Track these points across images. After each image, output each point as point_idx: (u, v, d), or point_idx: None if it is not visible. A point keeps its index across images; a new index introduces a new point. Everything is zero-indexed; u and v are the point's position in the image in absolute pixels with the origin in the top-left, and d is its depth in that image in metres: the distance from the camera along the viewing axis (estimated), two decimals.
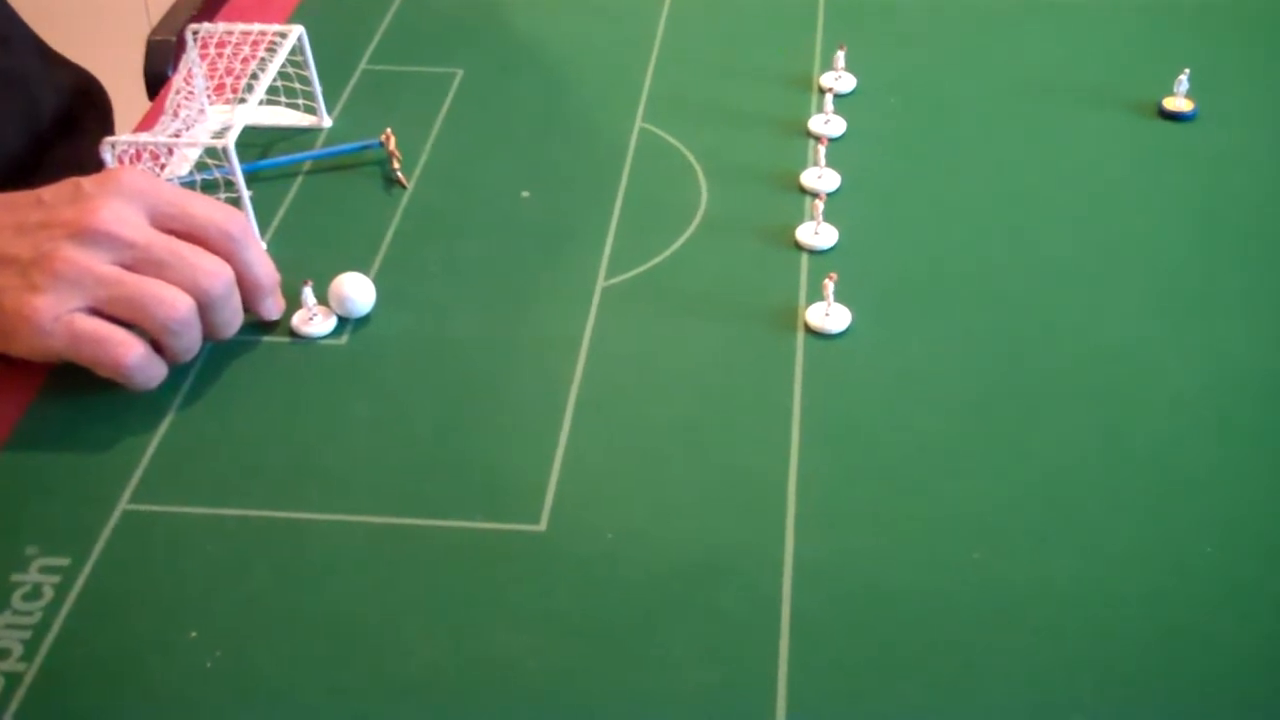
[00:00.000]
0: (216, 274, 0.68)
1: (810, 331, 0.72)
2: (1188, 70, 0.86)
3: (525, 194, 0.82)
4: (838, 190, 0.81)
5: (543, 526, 0.62)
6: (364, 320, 0.74)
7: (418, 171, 0.84)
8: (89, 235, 0.65)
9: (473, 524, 0.62)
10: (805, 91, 0.90)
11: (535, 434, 0.67)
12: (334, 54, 0.94)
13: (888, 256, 0.77)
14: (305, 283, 0.72)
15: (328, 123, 0.88)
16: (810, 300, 0.73)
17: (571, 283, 0.76)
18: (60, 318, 0.65)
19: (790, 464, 0.65)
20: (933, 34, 0.96)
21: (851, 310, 0.73)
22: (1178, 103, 0.86)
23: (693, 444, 0.66)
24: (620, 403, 0.68)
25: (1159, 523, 0.61)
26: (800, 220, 0.79)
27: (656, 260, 0.77)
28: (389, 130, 0.85)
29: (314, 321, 0.73)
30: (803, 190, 0.81)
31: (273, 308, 0.72)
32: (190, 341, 0.68)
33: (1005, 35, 0.95)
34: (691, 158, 0.85)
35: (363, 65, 0.94)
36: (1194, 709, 0.54)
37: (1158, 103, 0.86)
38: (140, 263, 0.67)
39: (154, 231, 0.68)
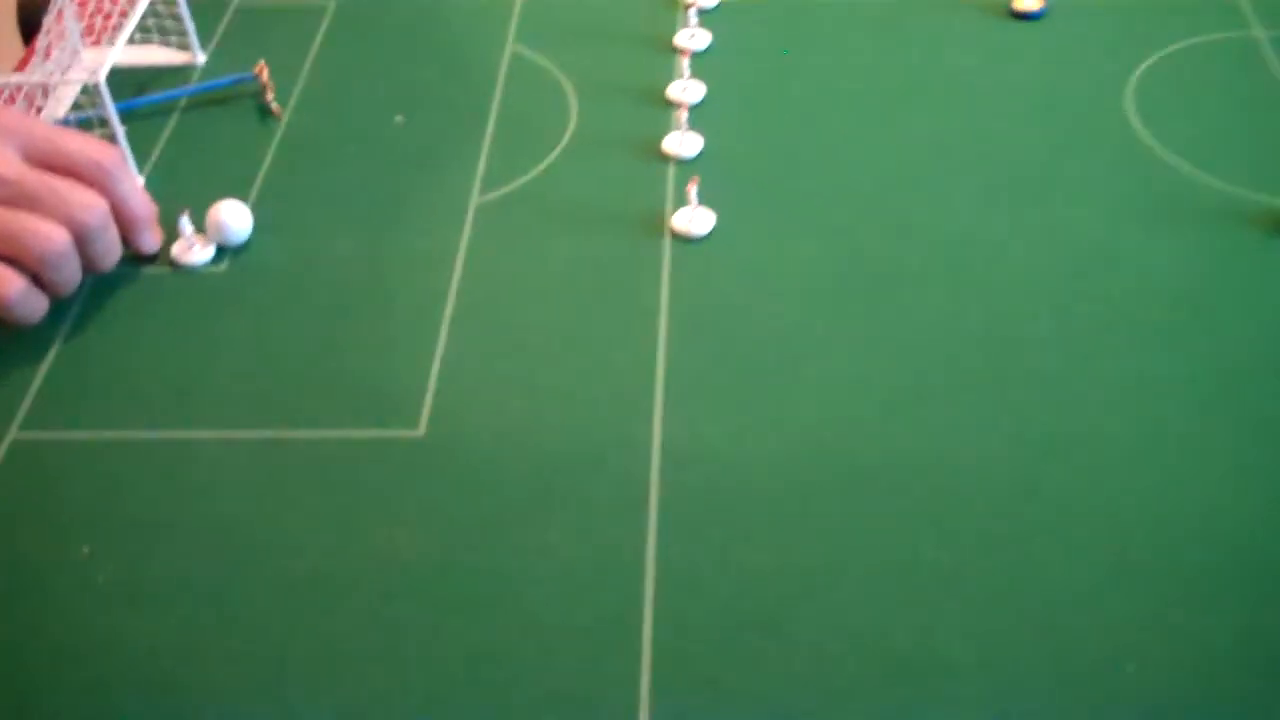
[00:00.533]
0: (91, 206, 0.69)
1: (676, 235, 0.75)
2: None
3: (399, 119, 0.84)
4: (703, 101, 0.84)
5: (421, 431, 0.65)
6: (243, 248, 0.75)
7: (293, 102, 0.86)
8: None
9: (354, 432, 0.65)
10: (672, 9, 0.92)
11: (413, 345, 0.69)
12: None
13: (750, 161, 0.80)
14: (182, 212, 0.74)
15: (202, 59, 0.90)
16: (677, 206, 0.76)
17: (446, 201, 0.78)
18: None
19: (658, 358, 0.68)
20: None
21: (716, 213, 0.75)
22: (1025, 2, 0.89)
23: (565, 346, 0.69)
24: (494, 312, 0.71)
25: (999, 395, 0.65)
26: (667, 131, 0.81)
27: (529, 176, 0.79)
28: (262, 62, 0.86)
29: (193, 251, 0.74)
30: (669, 103, 0.84)
31: (151, 240, 0.74)
32: (69, 274, 0.70)
33: None
34: (562, 77, 0.87)
35: (235, 4, 0.95)
36: (1025, 553, 0.58)
37: (1007, 3, 0.90)
38: (14, 198, 0.68)
39: (27, 167, 0.69)
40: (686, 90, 0.84)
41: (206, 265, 0.74)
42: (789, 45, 0.89)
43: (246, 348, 0.70)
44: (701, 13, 0.91)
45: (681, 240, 0.75)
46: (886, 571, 0.58)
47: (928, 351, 0.67)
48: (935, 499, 0.61)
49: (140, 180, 0.78)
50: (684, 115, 0.80)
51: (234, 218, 0.74)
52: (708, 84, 0.85)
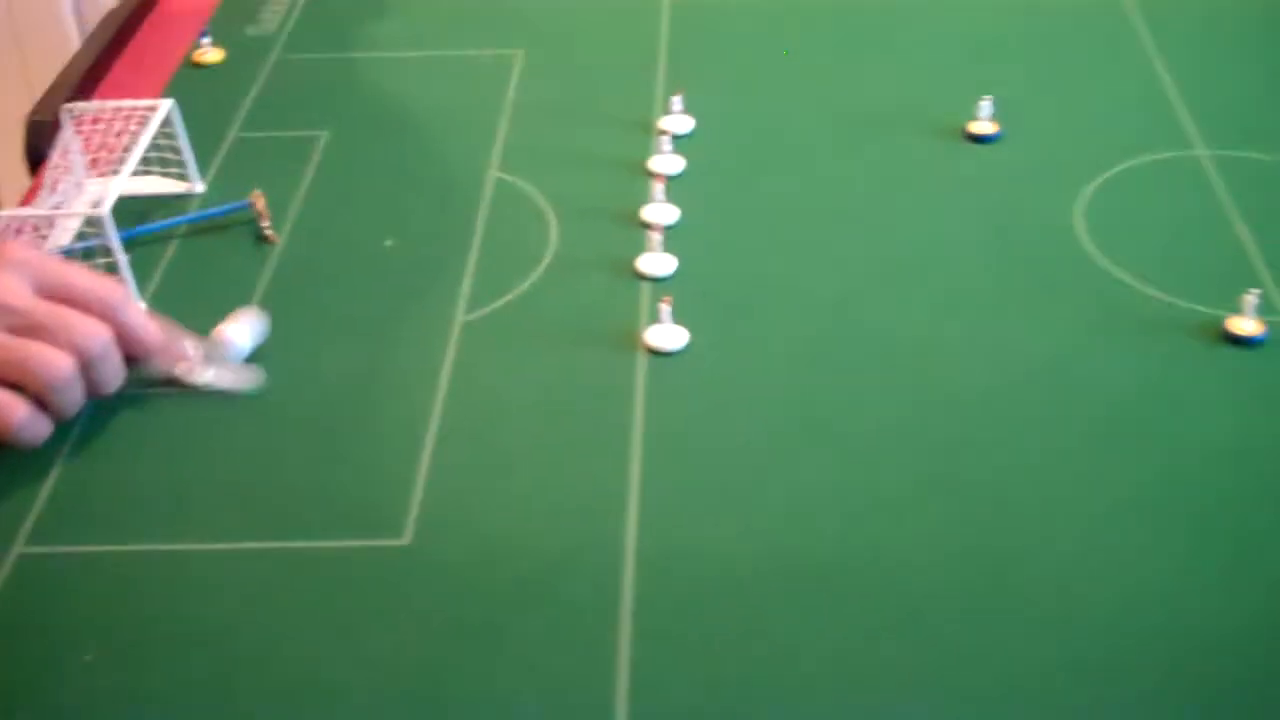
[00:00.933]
0: (95, 334, 0.73)
1: (651, 352, 0.79)
2: (988, 97, 0.95)
3: (389, 243, 0.89)
4: (677, 223, 0.89)
5: (408, 540, 0.68)
6: (246, 364, 0.79)
7: (288, 228, 0.90)
8: None
9: (344, 542, 0.68)
10: (647, 135, 0.97)
11: (400, 458, 0.73)
12: (206, 124, 1.00)
13: (721, 279, 0.84)
14: (182, 336, 0.78)
15: (201, 188, 0.94)
16: (651, 324, 0.80)
17: (433, 320, 0.82)
18: None
19: (632, 470, 0.71)
20: (762, 77, 1.04)
21: (690, 330, 0.79)
22: (981, 126, 0.94)
23: (544, 459, 0.72)
24: (477, 426, 0.75)
25: (956, 502, 0.69)
26: (642, 252, 0.86)
27: (511, 296, 0.84)
28: (257, 191, 0.91)
29: (195, 372, 0.78)
30: (645, 224, 0.89)
31: (160, 364, 0.78)
32: (73, 399, 0.74)
33: (829, 75, 1.04)
34: (543, 201, 0.92)
35: (234, 133, 1.00)
36: (982, 652, 0.61)
37: (963, 127, 0.95)
38: (23, 328, 0.72)
39: (36, 299, 0.73)
40: (660, 212, 0.89)
41: (205, 385, 0.78)
42: (759, 170, 0.93)
43: (242, 462, 0.73)
44: (675, 139, 0.96)
45: (656, 356, 0.79)
46: (851, 672, 0.61)
47: (889, 460, 0.71)
48: (897, 603, 0.64)
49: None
50: (658, 236, 0.85)
51: (237, 335, 0.78)
52: (681, 206, 0.89)
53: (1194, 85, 0.99)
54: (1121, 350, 0.77)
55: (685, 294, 0.81)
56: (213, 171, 0.96)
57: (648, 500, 0.70)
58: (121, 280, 0.78)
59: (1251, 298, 0.76)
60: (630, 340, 0.80)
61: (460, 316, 0.82)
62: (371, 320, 0.82)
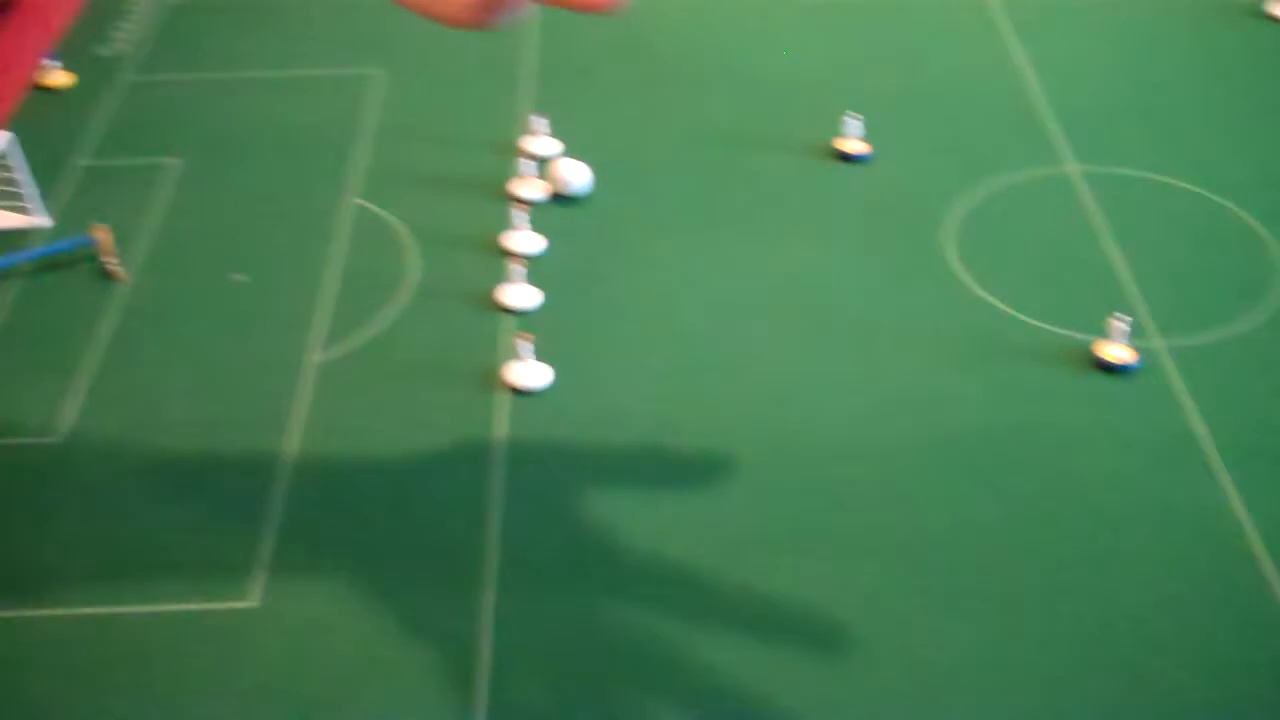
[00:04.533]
0: None
1: (513, 389, 0.76)
2: (854, 114, 0.93)
3: (240, 278, 0.85)
4: (542, 252, 0.86)
5: (255, 602, 0.65)
6: (77, 418, 0.75)
7: (137, 263, 0.86)
8: None
9: (185, 605, 0.65)
10: (510, 156, 0.94)
11: (246, 512, 0.69)
12: (53, 152, 0.95)
13: (586, 311, 0.82)
14: None
15: (47, 222, 0.90)
16: (513, 359, 0.78)
17: (284, 360, 0.79)
18: None
19: (490, 520, 0.69)
20: (628, 98, 1.01)
21: (553, 366, 0.77)
22: (850, 144, 0.93)
23: (399, 509, 0.70)
24: (330, 474, 0.72)
25: (821, 545, 0.67)
26: (505, 282, 0.83)
27: (368, 332, 0.81)
28: (101, 226, 0.87)
29: None
30: (507, 253, 0.86)
31: None
32: None
33: (696, 95, 1.01)
34: (402, 229, 0.89)
35: (82, 161, 0.96)
36: (841, 677, 0.60)
37: (831, 145, 0.93)
38: None
39: None
40: (524, 241, 0.86)
41: (35, 437, 0.74)
42: (625, 193, 0.91)
43: (76, 522, 0.70)
44: (540, 162, 0.93)
45: (517, 393, 0.76)
46: None
47: (755, 500, 0.69)
48: (766, 653, 0.62)
49: None
50: (520, 268, 0.82)
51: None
52: (546, 234, 0.87)
53: (1065, 99, 0.99)
54: (991, 379, 0.76)
55: (549, 328, 0.79)
56: (60, 202, 0.92)
57: (506, 556, 0.67)
58: None
59: (1120, 324, 0.75)
60: (492, 378, 0.77)
61: (315, 355, 0.79)
62: (220, 363, 0.79)
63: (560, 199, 0.90)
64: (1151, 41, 1.06)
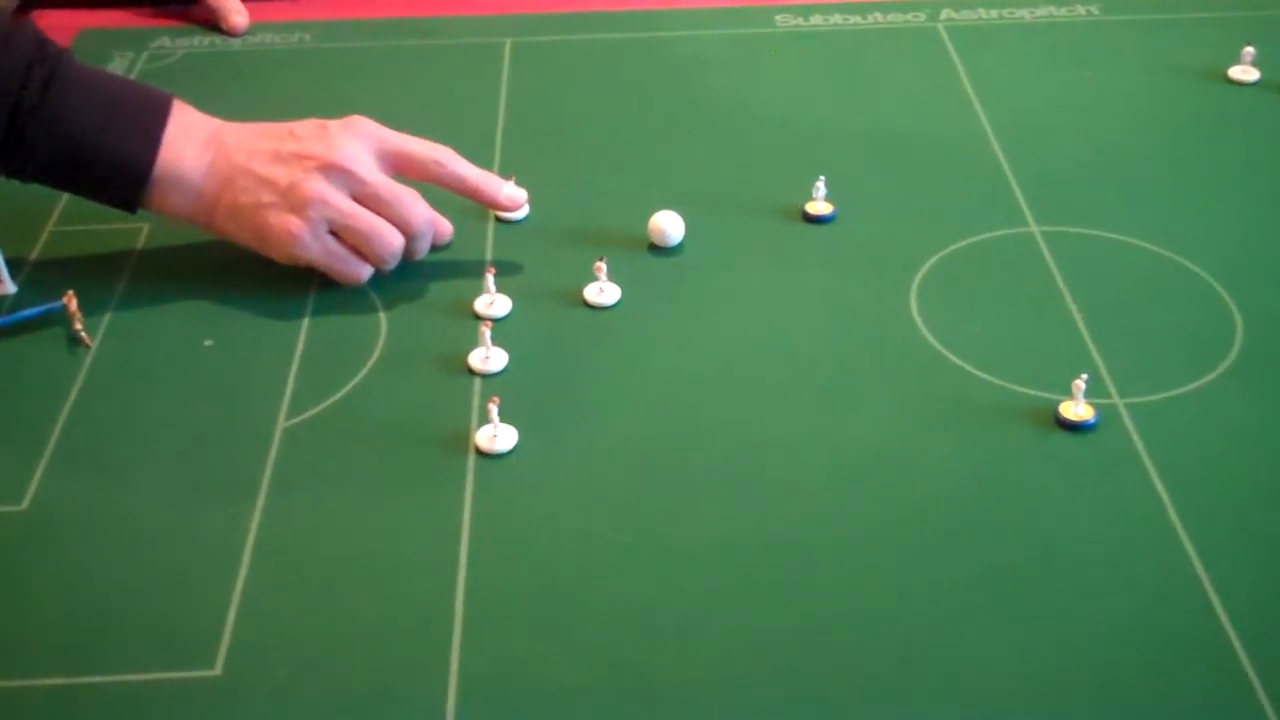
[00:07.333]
0: (421, 214, 0.87)
1: (480, 453, 0.76)
2: (823, 178, 0.94)
3: (208, 343, 0.85)
4: (509, 315, 0.86)
5: (218, 671, 0.65)
6: (45, 484, 0.75)
7: (103, 329, 0.86)
8: (333, 171, 0.83)
9: (149, 675, 0.65)
10: (481, 220, 0.95)
11: (210, 580, 0.69)
12: (20, 217, 0.96)
13: (553, 375, 0.82)
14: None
15: (12, 289, 0.90)
16: (481, 423, 0.78)
17: (251, 426, 0.79)
18: (318, 236, 0.84)
19: (458, 582, 0.69)
20: (597, 161, 1.02)
21: (518, 429, 0.77)
22: (817, 206, 0.94)
23: (366, 575, 0.70)
24: (296, 541, 0.72)
25: (789, 603, 0.67)
26: (472, 346, 0.83)
27: (335, 397, 0.81)
28: (70, 292, 0.87)
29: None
30: (476, 317, 0.86)
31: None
32: (395, 264, 0.87)
33: (664, 156, 1.02)
34: (371, 291, 0.89)
35: (50, 227, 0.96)
36: None
37: (801, 208, 0.94)
38: (367, 198, 0.84)
39: (379, 173, 0.85)
40: (492, 305, 0.87)
41: (2, 505, 0.74)
42: (593, 255, 0.91)
43: (42, 591, 0.69)
44: (512, 225, 0.94)
45: (485, 457, 0.76)
46: None
47: (721, 562, 0.69)
48: (737, 705, 0.62)
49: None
50: (487, 332, 0.82)
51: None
52: (513, 298, 0.87)
53: (1029, 161, 1.00)
54: (956, 439, 0.76)
55: (515, 391, 0.79)
56: (26, 269, 0.92)
57: (472, 616, 0.67)
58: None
59: (1080, 383, 0.76)
60: (460, 442, 0.77)
61: (282, 421, 0.79)
62: (186, 430, 0.79)
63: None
64: (1115, 104, 1.07)
